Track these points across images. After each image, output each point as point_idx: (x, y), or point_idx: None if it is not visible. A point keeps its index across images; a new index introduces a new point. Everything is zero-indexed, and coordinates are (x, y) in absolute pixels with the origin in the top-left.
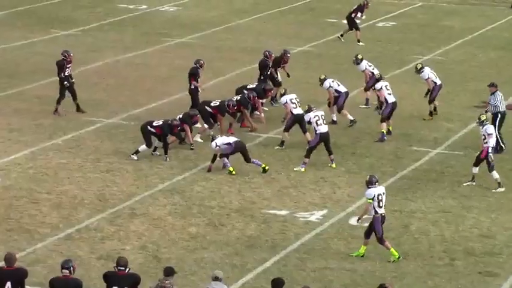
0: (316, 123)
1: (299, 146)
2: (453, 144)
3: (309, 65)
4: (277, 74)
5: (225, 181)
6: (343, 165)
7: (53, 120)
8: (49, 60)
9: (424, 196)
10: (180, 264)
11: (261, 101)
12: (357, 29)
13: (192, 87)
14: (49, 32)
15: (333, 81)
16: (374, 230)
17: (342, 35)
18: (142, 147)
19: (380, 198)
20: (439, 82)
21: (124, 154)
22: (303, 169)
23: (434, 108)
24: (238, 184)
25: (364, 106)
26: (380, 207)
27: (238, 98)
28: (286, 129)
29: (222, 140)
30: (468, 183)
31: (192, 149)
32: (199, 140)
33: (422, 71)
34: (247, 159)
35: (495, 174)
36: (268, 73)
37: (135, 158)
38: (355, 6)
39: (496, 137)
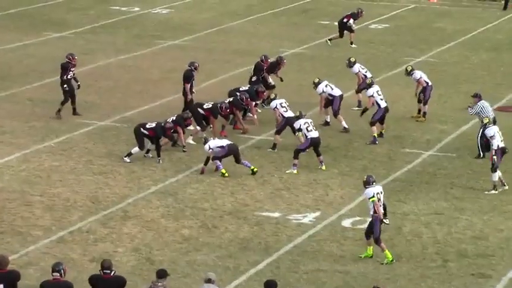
0: (307, 129)
1: (291, 148)
2: (446, 146)
3: (302, 67)
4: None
5: (217, 183)
6: (336, 167)
7: (45, 122)
8: (42, 63)
9: (416, 198)
10: (172, 266)
11: (253, 103)
12: (351, 31)
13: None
14: (41, 34)
15: (326, 86)
16: (373, 229)
17: (330, 40)
18: (135, 149)
19: (379, 197)
20: (430, 83)
21: (117, 156)
22: (295, 171)
23: (424, 114)
24: (231, 186)
25: (356, 108)
26: (379, 206)
27: (231, 99)
28: (278, 132)
29: (215, 143)
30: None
31: (184, 151)
32: (192, 142)
33: (413, 73)
34: (238, 161)
35: (495, 176)
36: (262, 77)
37: (128, 160)
38: (349, 13)
39: (477, 143)
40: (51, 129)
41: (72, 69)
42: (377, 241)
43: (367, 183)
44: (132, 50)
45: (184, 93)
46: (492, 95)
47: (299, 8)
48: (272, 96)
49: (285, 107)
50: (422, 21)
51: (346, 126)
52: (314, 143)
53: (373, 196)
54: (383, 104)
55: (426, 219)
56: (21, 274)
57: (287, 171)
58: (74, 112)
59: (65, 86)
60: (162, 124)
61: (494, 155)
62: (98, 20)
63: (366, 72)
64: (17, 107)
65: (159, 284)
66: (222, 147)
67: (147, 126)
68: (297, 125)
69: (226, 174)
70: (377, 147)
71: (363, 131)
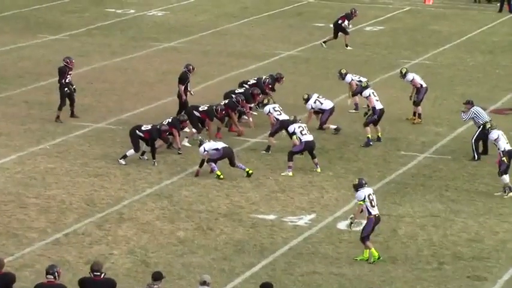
0: (301, 133)
1: (287, 150)
2: (441, 148)
3: (297, 69)
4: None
5: (213, 185)
6: (331, 169)
7: (41, 124)
8: (37, 65)
9: (412, 200)
10: (168, 268)
11: (249, 105)
12: (345, 33)
13: (180, 92)
14: (37, 36)
15: (315, 102)
16: (363, 228)
17: (325, 42)
18: (130, 151)
19: (371, 198)
20: (425, 85)
21: (112, 159)
22: (290, 173)
23: (419, 116)
24: (226, 188)
25: (353, 111)
26: (373, 206)
27: (227, 102)
28: (272, 135)
29: (210, 145)
30: (500, 193)
31: (179, 153)
32: (187, 144)
33: (406, 75)
34: (232, 164)
35: (504, 179)
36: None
37: (123, 162)
38: (343, 14)
39: (472, 146)
40: (46, 132)
41: (70, 72)
42: (363, 239)
43: (359, 186)
44: (128, 52)
45: (179, 95)
46: (487, 97)
47: (294, 11)
48: (265, 101)
49: (278, 110)
50: (417, 24)
51: (335, 126)
52: (308, 147)
53: (364, 199)
54: (379, 106)
55: (422, 221)
56: (16, 276)
57: (282, 174)
58: (72, 114)
59: (66, 89)
60: (158, 126)
61: (503, 157)
62: (94, 22)
63: (358, 79)
64: (12, 109)
65: (155, 286)
66: (217, 149)
67: (143, 128)
68: (291, 129)
69: (222, 177)
70: (372, 150)
71: (358, 133)
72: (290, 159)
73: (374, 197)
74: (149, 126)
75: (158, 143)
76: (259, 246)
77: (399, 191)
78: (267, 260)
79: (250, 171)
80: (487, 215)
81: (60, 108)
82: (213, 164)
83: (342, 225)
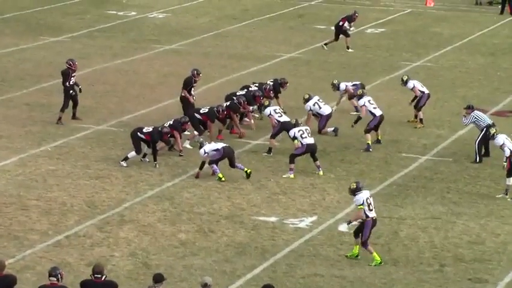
0: (301, 136)
1: (288, 152)
2: (442, 150)
3: (298, 71)
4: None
5: (214, 187)
6: (333, 171)
7: (42, 127)
8: (38, 67)
9: (413, 202)
10: (169, 270)
11: (251, 107)
12: (346, 35)
13: (183, 94)
14: (38, 38)
15: (314, 105)
16: (361, 232)
17: (326, 44)
18: (132, 153)
19: (369, 201)
20: (426, 91)
21: (113, 161)
22: (291, 175)
23: (421, 120)
24: (227, 190)
25: (354, 113)
26: (371, 210)
27: (228, 104)
28: (273, 136)
29: (210, 147)
30: (501, 195)
31: (181, 155)
32: (189, 146)
33: (408, 82)
34: (232, 165)
35: (510, 180)
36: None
37: (125, 164)
38: (344, 16)
39: (475, 148)
40: (47, 134)
41: (73, 74)
42: (364, 244)
43: (357, 190)
44: (129, 55)
45: (182, 98)
46: (489, 99)
47: (295, 13)
48: (266, 103)
49: (279, 112)
50: (419, 26)
51: (333, 128)
52: (310, 149)
53: (362, 203)
54: (378, 113)
55: (423, 223)
56: (17, 278)
57: (284, 176)
58: (74, 117)
59: (71, 91)
60: (159, 128)
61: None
62: (95, 24)
63: (352, 84)
64: (13, 111)
65: None
66: (217, 150)
67: (144, 130)
68: (291, 133)
69: (223, 179)
70: (373, 152)
71: (359, 135)
72: (291, 161)
73: (371, 200)
74: (150, 129)
75: (159, 145)
76: (261, 249)
77: (400, 193)
78: (268, 262)
79: (249, 171)
80: (488, 217)
81: (62, 110)
82: (215, 166)
83: (343, 227)
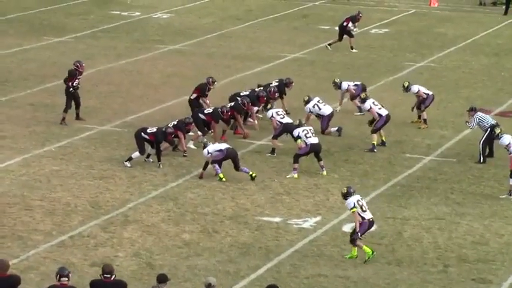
0: (305, 136)
1: (292, 153)
2: (446, 151)
3: (302, 71)
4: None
5: (218, 188)
6: (336, 172)
7: (46, 127)
8: (42, 67)
9: (417, 203)
10: (173, 271)
11: (255, 108)
12: (350, 35)
13: (192, 97)
14: (41, 39)
15: (314, 106)
16: (354, 229)
17: (330, 44)
18: (136, 154)
19: (360, 203)
20: (430, 93)
21: (117, 161)
22: (295, 175)
23: (425, 121)
24: (231, 191)
25: (358, 113)
26: (364, 211)
27: (232, 104)
28: (275, 137)
29: (213, 147)
30: (505, 195)
31: (185, 156)
32: (193, 147)
33: (410, 88)
34: (237, 168)
35: None
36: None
37: (129, 165)
38: (348, 16)
39: (479, 149)
40: (51, 134)
41: (79, 76)
42: (353, 241)
43: (348, 194)
44: (133, 55)
45: (190, 102)
46: (492, 100)
47: (299, 13)
48: (269, 105)
49: (281, 114)
50: (423, 26)
51: (336, 128)
52: (314, 149)
53: (354, 207)
54: (384, 113)
55: (427, 224)
56: (21, 279)
57: (287, 176)
58: (77, 117)
59: (71, 89)
60: (163, 129)
61: None
62: (98, 24)
63: (354, 84)
64: (17, 111)
65: None
66: (220, 150)
67: (148, 130)
68: (295, 133)
69: (224, 179)
70: (377, 153)
71: (363, 136)
72: (295, 161)
73: (363, 202)
74: (154, 129)
75: (163, 145)
76: (265, 249)
77: (404, 193)
78: (272, 263)
79: (254, 174)
80: (492, 217)
81: (65, 111)
82: (217, 166)
83: (347, 227)
